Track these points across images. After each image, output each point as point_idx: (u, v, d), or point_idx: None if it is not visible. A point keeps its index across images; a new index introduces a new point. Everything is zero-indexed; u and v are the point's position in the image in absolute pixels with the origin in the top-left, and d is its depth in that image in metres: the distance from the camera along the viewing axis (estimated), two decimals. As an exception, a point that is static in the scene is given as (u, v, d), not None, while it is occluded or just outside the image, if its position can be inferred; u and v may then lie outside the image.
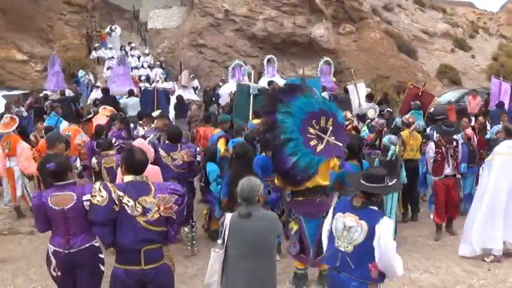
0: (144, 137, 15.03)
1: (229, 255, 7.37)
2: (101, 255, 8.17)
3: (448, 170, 14.28)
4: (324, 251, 8.01)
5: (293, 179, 9.95)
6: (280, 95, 10.26)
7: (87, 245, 7.92)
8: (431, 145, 14.56)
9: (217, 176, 13.06)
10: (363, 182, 7.56)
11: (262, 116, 10.91)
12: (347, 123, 17.53)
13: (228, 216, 7.49)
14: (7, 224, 15.92)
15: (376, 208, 7.44)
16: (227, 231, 7.38)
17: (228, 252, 7.39)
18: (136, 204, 6.92)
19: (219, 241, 7.50)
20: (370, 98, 24.91)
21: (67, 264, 7.96)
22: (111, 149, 13.39)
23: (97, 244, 8.04)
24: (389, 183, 7.71)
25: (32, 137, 18.27)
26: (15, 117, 17.51)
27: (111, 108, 21.17)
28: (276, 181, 10.49)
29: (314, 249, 10.33)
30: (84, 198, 7.71)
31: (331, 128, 10.09)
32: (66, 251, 7.86)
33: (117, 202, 6.93)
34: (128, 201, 6.93)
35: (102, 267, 8.21)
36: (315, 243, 10.28)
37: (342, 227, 7.42)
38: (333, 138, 10.04)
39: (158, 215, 6.95)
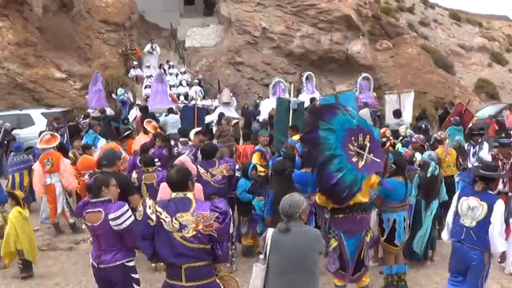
0: (179, 153, 15.13)
1: (270, 271, 7.35)
2: (134, 275, 8.36)
3: (501, 186, 14.23)
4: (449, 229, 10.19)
5: (338, 196, 9.81)
6: (321, 113, 10.24)
7: (117, 263, 8.12)
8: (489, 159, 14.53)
9: (243, 190, 13.27)
10: (481, 171, 9.70)
11: (304, 134, 10.85)
12: (384, 139, 17.46)
13: (270, 231, 7.48)
14: (46, 240, 16.05)
15: (492, 192, 9.69)
16: (268, 247, 7.37)
17: (269, 267, 7.37)
18: (173, 220, 6.89)
19: (261, 256, 7.50)
20: (397, 114, 24.78)
21: (99, 278, 8.25)
22: (153, 166, 13.51)
23: (130, 264, 8.24)
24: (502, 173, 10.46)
25: (70, 154, 18.40)
26: (56, 134, 17.66)
27: (155, 124, 21.30)
28: (317, 199, 10.33)
29: (353, 265, 10.23)
30: (109, 217, 7.91)
31: (368, 144, 10.07)
32: (97, 266, 8.14)
33: (152, 217, 6.93)
34: (166, 217, 6.91)
35: (136, 287, 8.34)
36: (354, 260, 10.21)
37: (467, 207, 9.57)
38: (371, 154, 10.03)
39: (195, 232, 6.86)
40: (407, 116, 26.86)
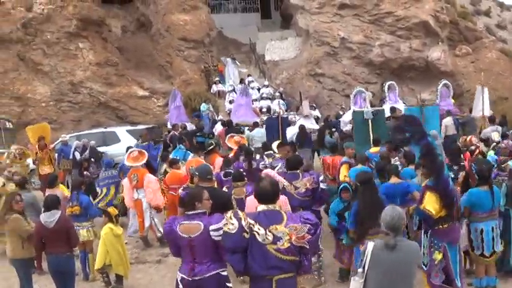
0: (272, 167, 15.11)
1: (368, 285, 7.19)
2: (229, 284, 8.28)
3: None
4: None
5: (451, 201, 9.80)
6: (417, 120, 10.18)
7: (213, 273, 8.06)
8: None
9: (333, 213, 12.77)
10: None
11: (416, 141, 10.66)
12: (473, 148, 17.15)
13: (371, 244, 7.27)
14: (134, 254, 16.23)
15: None
16: (368, 260, 7.18)
17: (367, 282, 7.20)
18: (267, 232, 6.91)
19: (360, 270, 7.32)
20: (492, 121, 24.34)
21: None
22: (242, 180, 13.44)
23: (224, 273, 8.17)
24: None
25: (167, 169, 18.61)
26: (144, 151, 17.94)
27: (238, 138, 21.32)
28: (432, 210, 9.85)
29: (456, 275, 10.07)
30: (210, 228, 7.88)
31: None
32: (190, 278, 8.06)
33: (247, 230, 6.95)
34: (259, 229, 6.93)
35: None
36: (457, 270, 10.08)
37: None
38: None
39: (289, 244, 6.88)
40: (486, 110, 26.32)
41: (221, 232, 7.57)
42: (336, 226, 12.81)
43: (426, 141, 9.72)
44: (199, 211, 8.15)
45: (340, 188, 13.07)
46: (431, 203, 9.88)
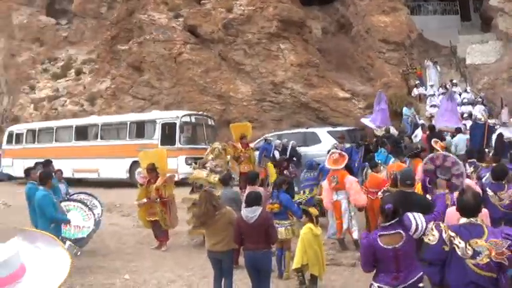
0: (479, 176, 14.77)
1: None
2: (420, 284, 8.21)
3: None
4: None
5: None
6: None
7: (416, 277, 8.04)
8: None
9: None
10: None
11: None
12: None
13: None
14: (330, 255, 16.28)
15: None
16: None
17: None
18: (467, 246, 6.79)
19: None
20: None
21: None
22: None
23: (421, 284, 8.15)
24: None
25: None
26: (345, 154, 17.93)
27: (443, 144, 21.00)
28: None
29: None
30: (410, 233, 7.90)
31: None
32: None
33: (447, 242, 6.88)
34: (459, 243, 6.83)
35: None
36: None
37: None
38: None
39: (488, 260, 6.71)
40: None
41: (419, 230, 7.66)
42: None
43: None
44: (392, 222, 8.08)
45: None
46: None
